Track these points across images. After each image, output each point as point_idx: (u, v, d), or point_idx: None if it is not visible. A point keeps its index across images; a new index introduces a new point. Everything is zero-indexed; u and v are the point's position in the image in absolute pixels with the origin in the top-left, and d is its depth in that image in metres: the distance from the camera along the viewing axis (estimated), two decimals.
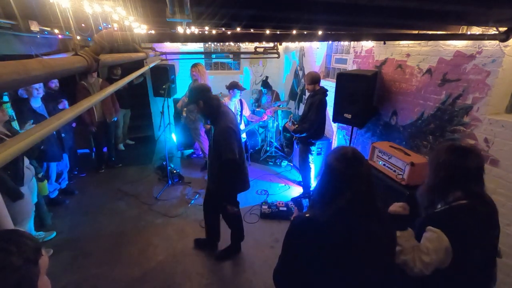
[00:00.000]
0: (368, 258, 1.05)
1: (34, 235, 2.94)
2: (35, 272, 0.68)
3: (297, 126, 3.84)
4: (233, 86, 4.00)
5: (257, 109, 5.73)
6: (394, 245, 1.19)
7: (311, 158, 3.98)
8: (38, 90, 3.17)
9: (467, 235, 1.19)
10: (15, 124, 2.82)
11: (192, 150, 5.50)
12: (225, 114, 2.36)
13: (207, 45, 6.47)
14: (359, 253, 1.04)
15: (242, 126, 4.26)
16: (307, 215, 1.08)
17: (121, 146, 5.68)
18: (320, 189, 1.12)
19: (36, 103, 3.24)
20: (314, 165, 4.38)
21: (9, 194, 2.30)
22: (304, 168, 3.95)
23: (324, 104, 3.61)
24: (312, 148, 3.93)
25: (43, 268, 0.72)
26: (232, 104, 4.11)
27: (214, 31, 2.91)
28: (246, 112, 4.33)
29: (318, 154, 4.40)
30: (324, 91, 3.63)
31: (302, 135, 3.73)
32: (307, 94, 3.86)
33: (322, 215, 1.04)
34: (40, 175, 3.02)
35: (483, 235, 1.23)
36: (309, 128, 3.62)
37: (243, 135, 4.35)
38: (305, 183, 4.02)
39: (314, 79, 3.69)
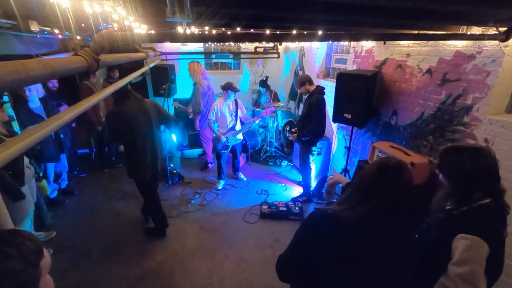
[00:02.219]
0: (375, 271, 1.04)
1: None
2: (36, 274, 0.67)
3: (297, 131, 3.82)
4: (227, 87, 3.92)
5: (256, 109, 5.72)
6: (406, 268, 1.14)
7: (311, 158, 3.98)
8: (31, 91, 3.15)
9: (496, 236, 1.18)
10: (15, 124, 2.82)
11: (202, 150, 5.42)
12: (123, 106, 2.70)
13: (207, 45, 6.47)
14: (368, 263, 1.02)
15: (237, 127, 4.18)
16: (329, 211, 1.08)
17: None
18: (350, 190, 1.12)
19: (34, 104, 3.23)
20: (315, 165, 4.38)
21: (10, 194, 2.29)
22: (304, 168, 3.94)
23: (323, 102, 3.59)
24: (313, 148, 3.92)
25: (45, 269, 0.71)
26: (226, 105, 4.03)
27: (214, 31, 2.91)
28: (242, 112, 4.24)
29: (318, 154, 4.40)
30: (320, 90, 3.61)
31: (307, 137, 3.72)
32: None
33: (342, 215, 1.03)
34: (37, 175, 3.01)
35: (503, 232, 1.23)
36: (314, 129, 3.62)
37: (239, 136, 4.26)
38: (305, 183, 4.02)
39: (302, 81, 3.67)
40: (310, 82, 3.70)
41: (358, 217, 1.01)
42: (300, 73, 5.94)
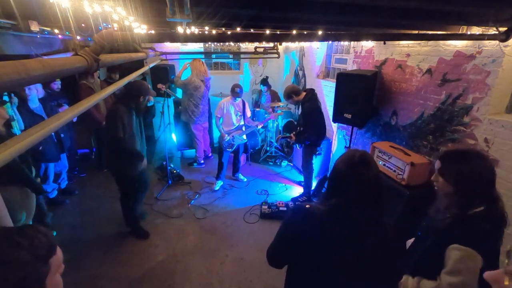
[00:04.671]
0: (351, 265, 1.10)
1: None
2: (44, 269, 0.67)
3: (294, 136, 3.82)
4: (230, 90, 4.03)
5: (256, 109, 5.72)
6: (388, 261, 1.17)
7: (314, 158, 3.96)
8: (31, 89, 3.15)
9: (490, 246, 1.14)
10: (15, 124, 2.81)
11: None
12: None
13: (207, 45, 6.47)
14: (342, 257, 1.09)
15: (243, 127, 4.25)
16: (307, 206, 1.15)
17: None
18: (327, 187, 1.20)
19: (34, 104, 3.22)
20: (315, 165, 4.37)
21: (34, 189, 2.34)
22: (307, 168, 3.91)
23: (316, 109, 3.57)
24: (317, 148, 3.91)
25: (55, 267, 0.72)
26: (232, 104, 4.09)
27: (214, 31, 2.91)
28: (248, 114, 4.32)
29: (318, 154, 4.40)
30: (310, 96, 3.56)
31: (307, 142, 3.73)
32: None
33: (318, 210, 1.11)
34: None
35: (500, 237, 1.18)
36: (309, 137, 3.62)
37: (244, 137, 4.30)
38: (306, 184, 4.00)
39: (288, 95, 3.64)
40: (296, 93, 3.63)
41: (327, 209, 1.09)
42: (300, 73, 5.93)
